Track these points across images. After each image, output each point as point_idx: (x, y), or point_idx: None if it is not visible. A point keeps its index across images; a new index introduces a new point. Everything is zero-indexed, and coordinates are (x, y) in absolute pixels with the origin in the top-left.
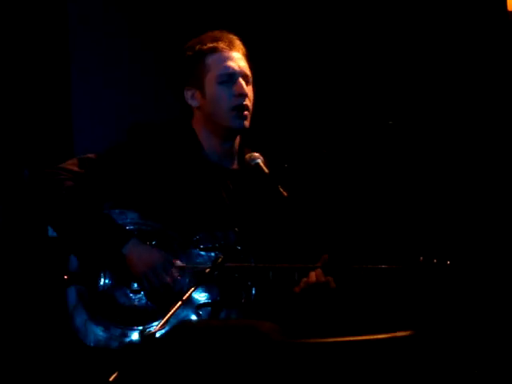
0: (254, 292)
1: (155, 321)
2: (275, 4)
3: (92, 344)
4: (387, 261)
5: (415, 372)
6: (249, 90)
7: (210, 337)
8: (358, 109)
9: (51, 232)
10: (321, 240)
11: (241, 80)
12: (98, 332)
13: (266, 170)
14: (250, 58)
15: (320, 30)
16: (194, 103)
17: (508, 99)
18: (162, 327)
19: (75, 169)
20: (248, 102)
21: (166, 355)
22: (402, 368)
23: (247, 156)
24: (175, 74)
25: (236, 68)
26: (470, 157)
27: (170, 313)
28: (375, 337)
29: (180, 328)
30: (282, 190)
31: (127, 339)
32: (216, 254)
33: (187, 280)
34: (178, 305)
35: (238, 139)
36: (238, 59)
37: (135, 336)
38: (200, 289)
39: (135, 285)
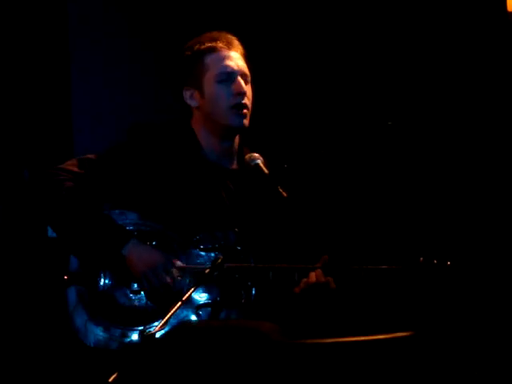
0: (253, 292)
1: (155, 321)
2: (274, 4)
3: (92, 344)
4: (387, 261)
5: (415, 373)
6: (248, 88)
7: (210, 337)
8: (357, 109)
9: (51, 232)
10: (321, 240)
11: (240, 79)
12: (98, 332)
13: (266, 171)
14: (248, 58)
15: (319, 30)
16: (192, 103)
17: (508, 99)
18: (162, 328)
19: (75, 169)
20: (247, 101)
21: (166, 356)
22: (402, 369)
23: (247, 156)
24: (174, 74)
25: (235, 67)
26: (470, 157)
27: (170, 313)
28: (375, 337)
29: (180, 328)
30: (281, 190)
31: (127, 340)
32: (216, 255)
33: (187, 280)
34: (177, 305)
35: (237, 139)
36: (236, 58)
37: (135, 336)
38: (200, 289)
39: (135, 285)
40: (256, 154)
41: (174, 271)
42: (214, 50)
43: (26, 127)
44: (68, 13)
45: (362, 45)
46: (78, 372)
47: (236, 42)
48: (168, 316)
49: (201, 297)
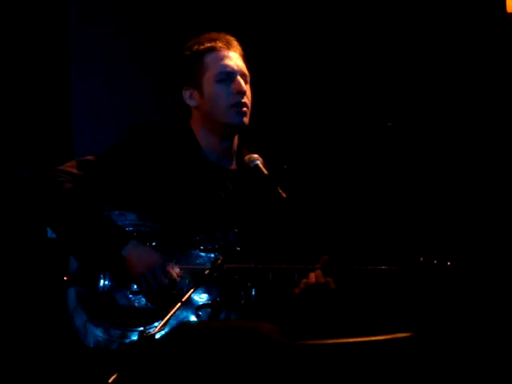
0: (253, 293)
1: (155, 322)
2: (274, 5)
3: (92, 345)
4: (387, 262)
5: (415, 373)
6: (247, 88)
7: (210, 338)
8: (357, 110)
9: (51, 233)
10: (320, 241)
11: (239, 78)
12: (98, 333)
13: (266, 172)
14: (248, 59)
15: (318, 31)
16: (192, 103)
17: (507, 101)
18: (162, 328)
19: (74, 171)
20: (247, 100)
21: (166, 356)
22: (402, 369)
23: (246, 157)
24: (173, 74)
25: (234, 66)
26: (470, 158)
27: (170, 314)
28: (375, 338)
29: (180, 329)
30: (281, 191)
31: (127, 340)
32: (216, 255)
33: (187, 281)
34: (177, 306)
35: (236, 139)
36: (235, 58)
37: (135, 337)
38: (200, 290)
39: (135, 286)
40: (255, 155)
41: (173, 272)
42: (213, 49)
43: (25, 127)
44: (68, 13)
45: (362, 46)
46: (77, 372)
47: (235, 43)
48: (168, 317)
49: (200, 297)
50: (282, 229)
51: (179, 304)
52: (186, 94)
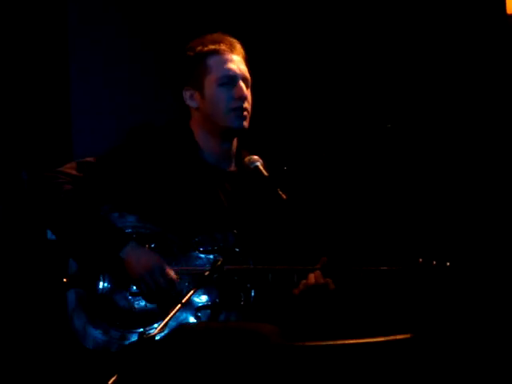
0: (253, 294)
1: (155, 323)
2: (274, 6)
3: (91, 347)
4: (386, 262)
5: (414, 374)
6: (248, 93)
7: (210, 339)
8: (357, 112)
9: (50, 235)
10: (320, 242)
11: (241, 83)
12: (98, 335)
13: (266, 173)
14: (249, 60)
15: (318, 33)
16: (192, 104)
17: (507, 102)
18: (162, 330)
19: (73, 172)
20: (247, 105)
21: (166, 358)
22: (402, 371)
23: (246, 159)
24: (174, 73)
25: (237, 71)
26: (469, 159)
27: (170, 316)
28: (374, 340)
29: (179, 330)
30: (281, 192)
31: (127, 342)
32: (215, 257)
33: (186, 283)
34: (177, 308)
35: (235, 141)
36: (238, 62)
37: (135, 339)
38: (199, 291)
39: (134, 287)
40: (255, 157)
41: (172, 274)
42: (216, 52)
43: (25, 127)
44: (68, 13)
45: (361, 47)
46: (77, 374)
47: (238, 46)
48: (168, 318)
49: (200, 299)
50: (281, 230)
51: (179, 305)
52: (187, 94)
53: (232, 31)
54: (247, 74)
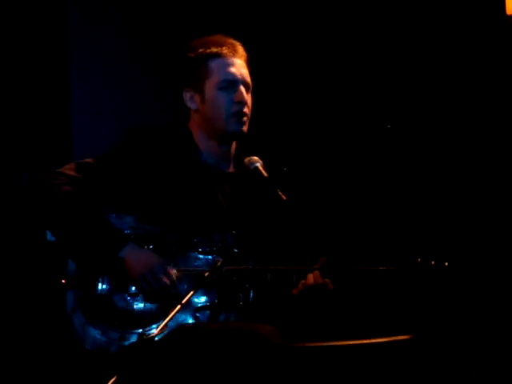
0: (252, 294)
1: (154, 324)
2: (274, 7)
3: (90, 347)
4: (385, 262)
5: (414, 375)
6: (248, 97)
7: (209, 340)
8: (357, 113)
9: (50, 236)
10: (319, 242)
11: (242, 87)
12: (97, 336)
13: (265, 174)
14: (249, 61)
15: (317, 34)
16: (192, 105)
17: (507, 103)
18: (161, 331)
19: (72, 173)
20: (247, 110)
21: (165, 359)
22: (401, 371)
23: (246, 160)
24: (175, 74)
25: (238, 75)
26: (468, 160)
27: (169, 316)
28: (374, 341)
29: (178, 331)
30: (280, 193)
31: (126, 343)
32: (213, 257)
33: (185, 284)
34: (177, 308)
35: (234, 143)
36: (240, 66)
37: (134, 340)
38: (198, 292)
39: (133, 288)
40: (255, 158)
41: (173, 273)
42: (218, 55)
43: (24, 128)
44: (68, 13)
45: (361, 48)
46: (76, 375)
47: (241, 49)
48: (167, 319)
49: (199, 299)
50: (280, 230)
51: (179, 306)
52: (187, 96)
53: (232, 31)
54: (248, 79)
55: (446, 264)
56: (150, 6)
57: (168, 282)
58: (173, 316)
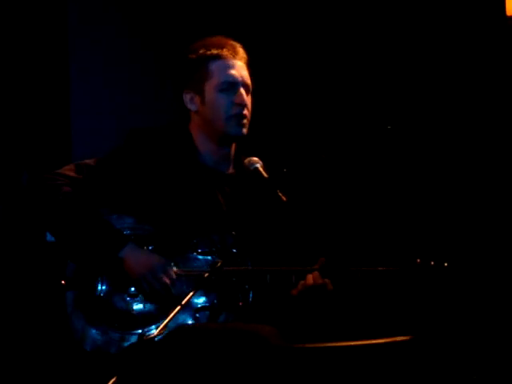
0: (251, 295)
1: (154, 325)
2: (274, 8)
3: (90, 348)
4: (385, 263)
5: (414, 376)
6: (248, 99)
7: (209, 341)
8: (357, 113)
9: (49, 237)
10: (318, 243)
11: (242, 90)
12: (96, 336)
13: (265, 175)
14: (249, 62)
15: (317, 35)
16: (192, 107)
17: (507, 104)
18: (161, 332)
19: (72, 174)
20: (247, 112)
21: (165, 359)
22: (401, 372)
23: (246, 161)
24: (175, 75)
25: (238, 77)
26: (468, 160)
27: (169, 317)
28: (374, 342)
29: (178, 332)
30: (280, 194)
31: (126, 343)
32: (213, 258)
33: (184, 285)
34: (176, 309)
35: (234, 145)
36: (240, 68)
37: (134, 340)
38: (198, 293)
39: (132, 289)
40: (255, 158)
41: (173, 273)
42: (219, 57)
43: (24, 128)
44: (68, 13)
45: (361, 49)
46: (76, 376)
47: (241, 50)
48: (167, 320)
49: (199, 300)
50: (279, 231)
51: (179, 307)
52: (187, 97)
53: (232, 32)
54: (248, 81)
55: (446, 264)
56: (150, 7)
57: (169, 281)
58: (172, 317)
